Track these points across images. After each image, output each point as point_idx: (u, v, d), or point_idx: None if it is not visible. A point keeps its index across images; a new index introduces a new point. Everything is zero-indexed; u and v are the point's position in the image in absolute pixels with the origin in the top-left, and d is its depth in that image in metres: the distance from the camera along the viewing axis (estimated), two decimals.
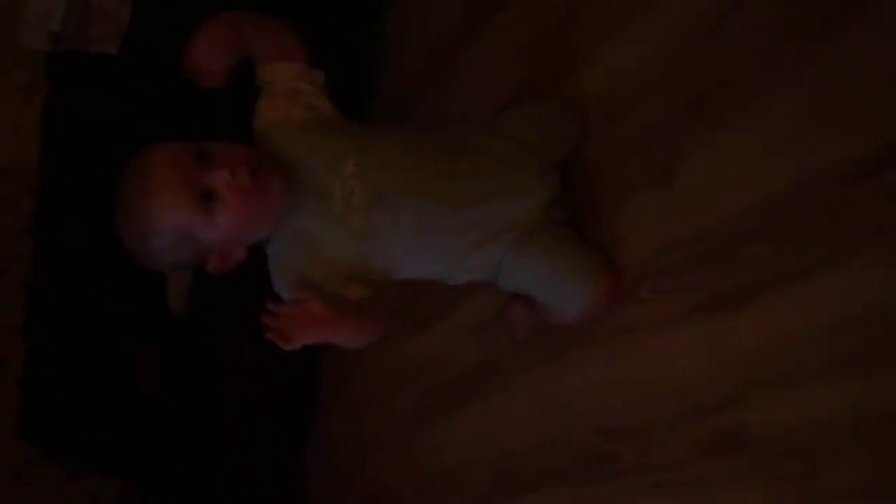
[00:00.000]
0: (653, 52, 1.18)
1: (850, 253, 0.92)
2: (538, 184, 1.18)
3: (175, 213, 0.99)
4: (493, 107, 1.54)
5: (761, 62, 1.02)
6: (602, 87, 1.27)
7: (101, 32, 1.88)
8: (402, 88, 1.89)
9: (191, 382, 2.25)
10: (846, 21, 0.91)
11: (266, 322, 1.01)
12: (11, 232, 2.57)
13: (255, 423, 2.24)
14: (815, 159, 0.95)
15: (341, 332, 1.06)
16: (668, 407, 1.17)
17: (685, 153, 1.13)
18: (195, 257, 1.06)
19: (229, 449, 2.26)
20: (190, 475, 2.31)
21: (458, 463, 1.71)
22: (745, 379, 1.05)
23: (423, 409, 1.81)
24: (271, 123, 1.11)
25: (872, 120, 0.89)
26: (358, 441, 2.16)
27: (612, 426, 1.27)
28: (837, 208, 0.93)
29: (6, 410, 2.51)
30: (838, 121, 0.93)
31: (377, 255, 1.10)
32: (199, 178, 0.99)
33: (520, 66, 1.47)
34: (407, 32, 1.92)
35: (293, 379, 2.23)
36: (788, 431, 1.00)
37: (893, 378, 0.88)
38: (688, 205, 1.13)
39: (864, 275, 0.91)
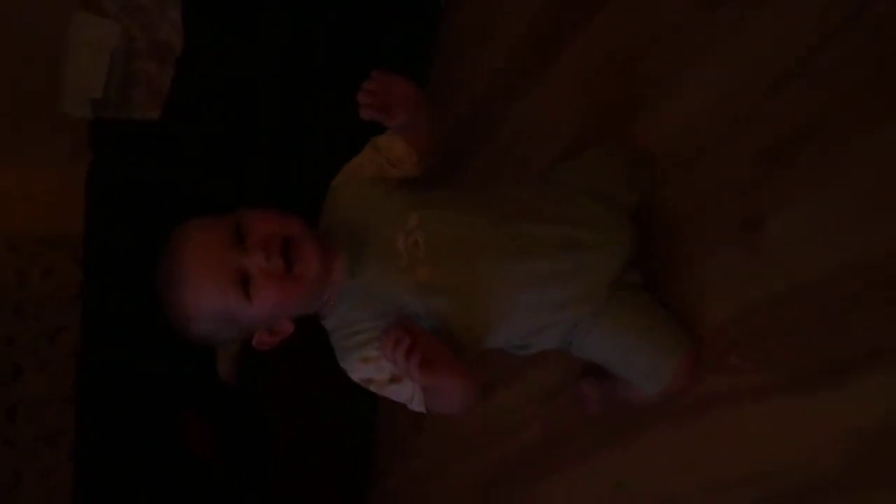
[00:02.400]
0: (730, 96, 1.10)
1: None
2: (612, 237, 1.10)
3: (212, 299, 0.97)
4: (553, 156, 1.45)
5: (854, 109, 0.93)
6: (676, 133, 1.19)
7: (142, 98, 1.88)
8: (454, 138, 1.82)
9: (241, 449, 2.21)
10: None
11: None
12: (60, 302, 2.58)
13: (307, 494, 2.17)
14: None
15: (455, 372, 0.96)
16: (755, 490, 1.06)
17: (770, 206, 1.04)
18: (241, 335, 1.04)
19: None
20: None
21: None
22: (851, 462, 0.94)
23: (486, 482, 1.71)
24: (342, 180, 1.10)
25: None
26: None
27: None
28: None
29: (60, 481, 2.49)
30: None
31: (443, 311, 1.02)
32: (235, 260, 0.96)
33: (581, 112, 1.40)
34: (456, 78, 1.86)
35: (348, 447, 2.16)
36: None
37: None
38: (775, 262, 1.03)
39: None
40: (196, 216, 1.05)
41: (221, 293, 0.96)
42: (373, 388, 1.03)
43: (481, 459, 1.72)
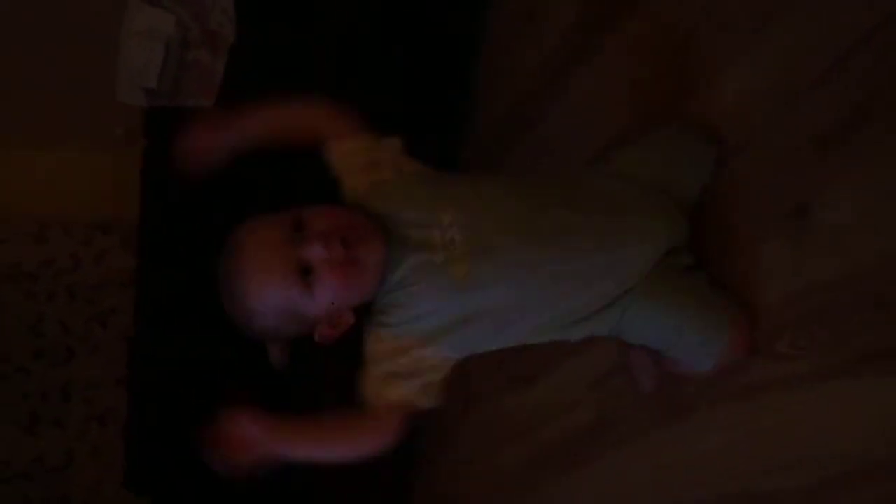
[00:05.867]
0: (786, 73, 1.08)
1: None
2: (660, 227, 1.09)
3: (274, 292, 0.99)
4: (606, 139, 1.44)
5: None
6: (728, 116, 1.17)
7: (196, 87, 1.90)
8: (500, 124, 1.82)
9: None
10: None
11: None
12: (113, 286, 2.62)
13: (352, 480, 2.18)
14: None
15: (296, 448, 1.07)
16: (807, 476, 1.06)
17: (825, 189, 1.02)
18: (302, 329, 1.04)
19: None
20: None
21: None
22: None
23: (532, 469, 1.71)
24: (361, 191, 1.08)
25: None
26: (462, 501, 2.07)
27: (743, 496, 1.16)
28: None
29: (111, 461, 2.54)
30: None
31: (480, 309, 1.03)
32: (295, 253, 0.97)
33: (634, 92, 1.39)
34: (503, 66, 1.86)
35: None
36: None
37: None
38: (827, 248, 1.02)
39: None
40: (247, 205, 1.07)
41: (283, 287, 0.98)
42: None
43: (529, 444, 1.73)
